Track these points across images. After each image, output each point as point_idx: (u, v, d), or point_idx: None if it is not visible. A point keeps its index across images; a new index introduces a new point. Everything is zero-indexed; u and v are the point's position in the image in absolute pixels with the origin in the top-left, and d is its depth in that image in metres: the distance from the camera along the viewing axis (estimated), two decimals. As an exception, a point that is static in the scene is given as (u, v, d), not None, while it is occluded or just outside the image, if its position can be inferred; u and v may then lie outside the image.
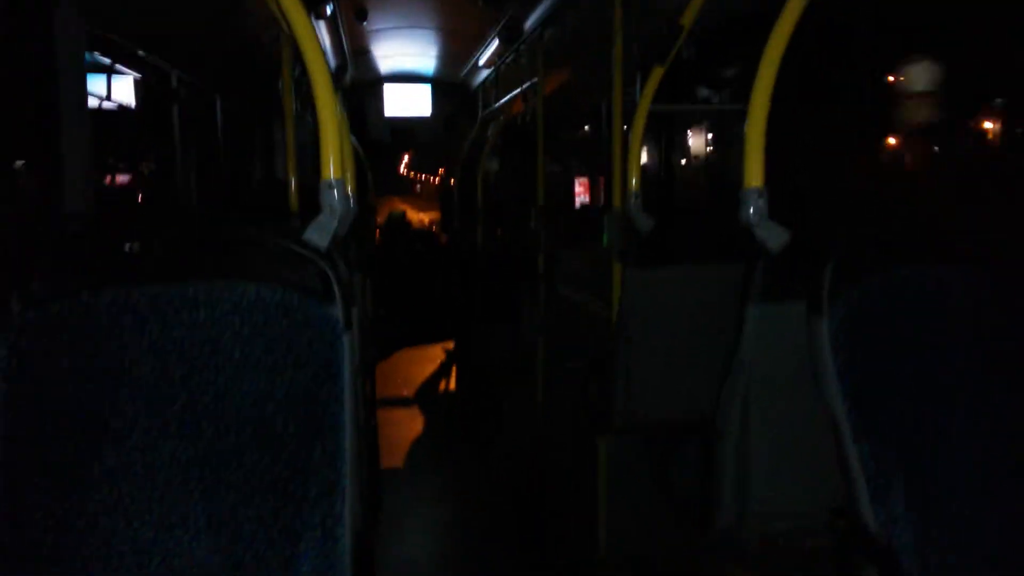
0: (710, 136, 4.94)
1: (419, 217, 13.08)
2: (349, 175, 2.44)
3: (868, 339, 1.29)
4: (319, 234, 1.36)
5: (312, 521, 1.17)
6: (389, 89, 8.17)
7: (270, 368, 1.21)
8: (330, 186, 1.39)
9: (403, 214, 9.21)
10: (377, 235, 8.35)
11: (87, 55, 2.97)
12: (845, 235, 1.40)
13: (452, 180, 8.77)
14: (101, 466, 1.16)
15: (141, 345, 1.20)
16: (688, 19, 2.40)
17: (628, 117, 2.66)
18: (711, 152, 4.97)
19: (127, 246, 1.59)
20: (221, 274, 1.26)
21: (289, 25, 1.43)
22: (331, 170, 1.40)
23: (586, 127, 6.49)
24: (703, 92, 4.29)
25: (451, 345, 7.15)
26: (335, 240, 1.38)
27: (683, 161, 5.32)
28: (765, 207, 1.58)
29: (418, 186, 24.62)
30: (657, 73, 2.47)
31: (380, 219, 8.90)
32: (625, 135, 2.75)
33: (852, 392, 1.26)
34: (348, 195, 2.37)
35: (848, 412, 1.25)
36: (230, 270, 1.27)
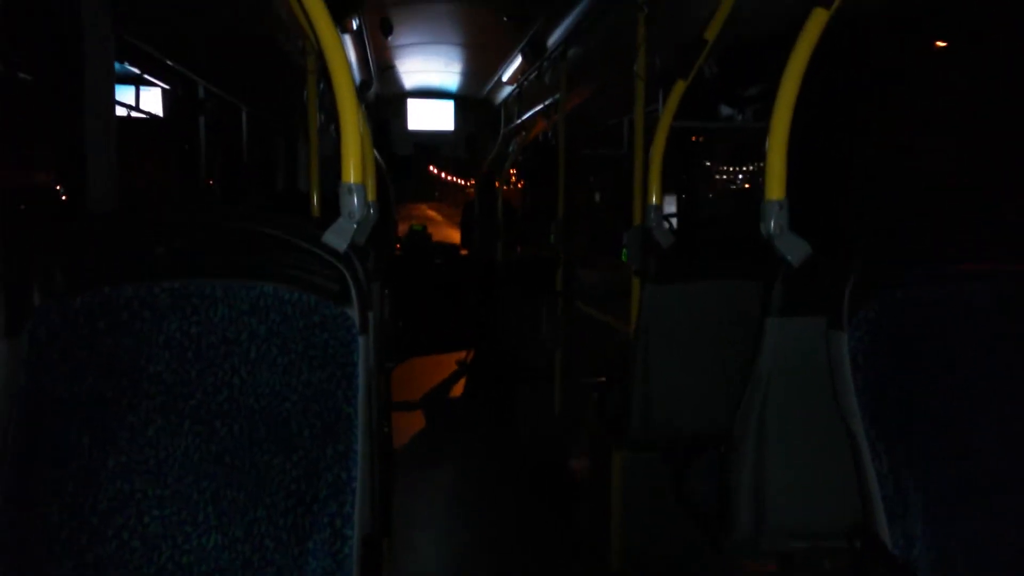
0: (734, 155, 4.94)
1: (444, 232, 12.74)
2: (370, 184, 2.46)
3: (888, 355, 1.27)
4: (338, 237, 1.36)
5: (321, 521, 1.17)
6: (413, 104, 8.25)
7: (285, 368, 1.22)
8: (350, 190, 1.40)
9: (423, 228, 9.24)
10: (398, 248, 8.38)
11: (117, 66, 3.03)
12: (866, 249, 1.38)
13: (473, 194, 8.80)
14: (115, 460, 1.17)
15: (159, 341, 1.22)
16: (712, 34, 2.40)
17: (650, 133, 2.66)
18: (734, 170, 4.97)
19: (152, 247, 1.61)
20: (241, 273, 1.27)
21: (315, 34, 1.45)
22: (351, 174, 1.41)
23: (608, 144, 6.52)
24: (726, 111, 4.29)
25: (465, 355, 7.14)
26: (354, 246, 1.39)
27: (708, 178, 5.32)
28: (786, 220, 1.57)
29: (470, 188, 22.61)
30: (679, 88, 2.47)
31: (402, 229, 8.93)
32: (646, 151, 2.75)
33: (871, 409, 1.24)
34: (367, 201, 2.39)
35: (867, 430, 1.23)
36: (250, 269, 1.28)
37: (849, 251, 1.37)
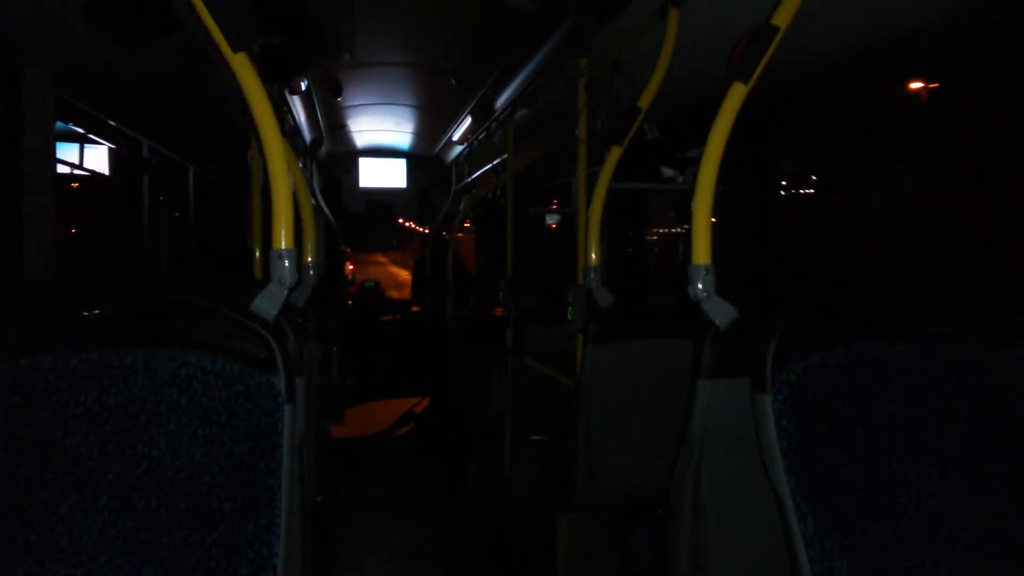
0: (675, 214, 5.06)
1: (405, 289, 12.34)
2: (311, 246, 2.46)
3: (812, 417, 1.30)
4: (267, 304, 1.36)
5: None
6: (364, 162, 8.31)
7: (207, 439, 1.19)
8: (280, 256, 1.40)
9: (376, 285, 9.21)
10: (349, 305, 8.33)
11: (60, 124, 3.00)
12: (789, 312, 1.42)
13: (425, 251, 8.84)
14: (24, 539, 1.12)
15: (75, 413, 1.18)
16: (645, 102, 2.48)
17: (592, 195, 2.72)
18: (677, 230, 5.09)
19: (77, 317, 1.57)
20: (163, 342, 1.25)
21: (248, 104, 1.46)
22: (283, 240, 1.41)
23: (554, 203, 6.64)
24: (668, 172, 4.41)
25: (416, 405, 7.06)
26: (289, 310, 1.38)
27: (650, 238, 5.43)
28: (712, 283, 1.61)
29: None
30: (615, 153, 2.53)
31: (358, 276, 8.93)
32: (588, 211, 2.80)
33: (796, 470, 1.26)
34: (306, 265, 2.38)
35: (792, 492, 1.25)
36: (174, 338, 1.26)
37: (773, 314, 1.41)
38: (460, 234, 7.50)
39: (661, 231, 5.41)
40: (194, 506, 1.16)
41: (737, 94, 1.57)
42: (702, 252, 1.60)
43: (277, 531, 1.16)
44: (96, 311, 1.56)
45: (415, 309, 8.26)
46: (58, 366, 1.20)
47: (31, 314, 1.42)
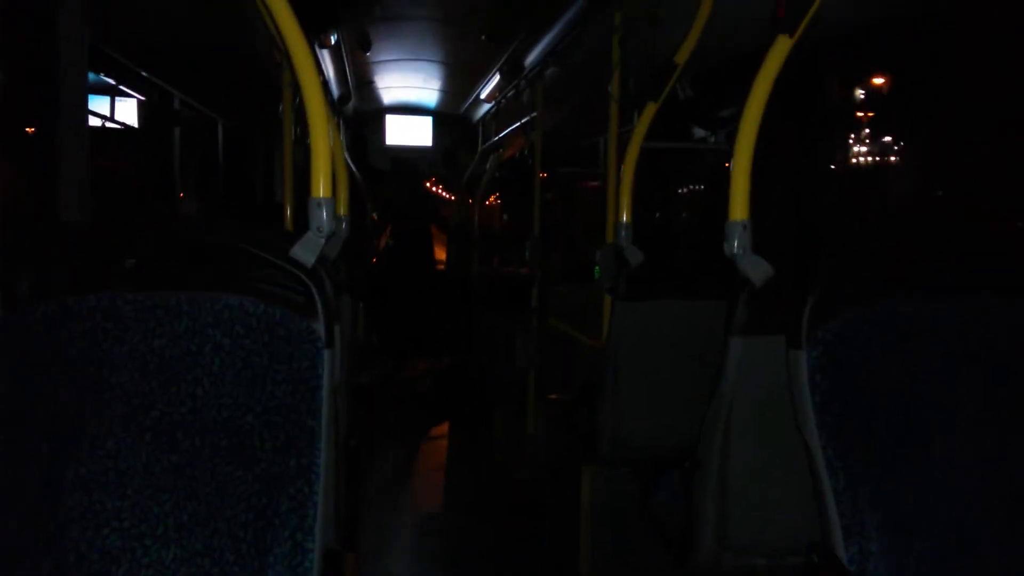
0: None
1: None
2: (342, 198, 2.47)
3: (846, 374, 1.30)
4: (306, 251, 1.37)
5: (282, 534, 1.17)
6: (391, 119, 8.28)
7: (249, 381, 1.21)
8: (319, 205, 1.41)
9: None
10: (374, 261, 8.38)
11: (92, 75, 3.01)
12: (825, 269, 1.41)
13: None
14: (74, 472, 1.16)
15: (122, 352, 1.21)
16: (682, 57, 2.44)
17: (624, 153, 2.70)
18: (706, 189, 5.05)
19: (120, 259, 1.60)
20: (207, 285, 1.27)
21: (287, 49, 1.46)
22: (321, 189, 1.42)
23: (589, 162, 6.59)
24: (700, 132, 4.36)
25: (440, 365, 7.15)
26: (324, 260, 1.40)
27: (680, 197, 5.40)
28: (749, 240, 1.60)
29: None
30: (650, 110, 2.50)
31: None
32: (620, 171, 2.78)
33: (829, 427, 1.26)
34: (338, 215, 2.39)
35: (823, 447, 1.25)
36: (216, 281, 1.28)
37: (808, 271, 1.40)
38: (487, 193, 7.49)
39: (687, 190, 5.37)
40: (236, 444, 1.20)
41: (782, 47, 1.54)
42: (739, 208, 1.59)
43: (317, 470, 1.19)
44: (132, 256, 1.59)
45: (440, 267, 8.34)
46: (104, 306, 1.23)
47: (75, 255, 1.44)
